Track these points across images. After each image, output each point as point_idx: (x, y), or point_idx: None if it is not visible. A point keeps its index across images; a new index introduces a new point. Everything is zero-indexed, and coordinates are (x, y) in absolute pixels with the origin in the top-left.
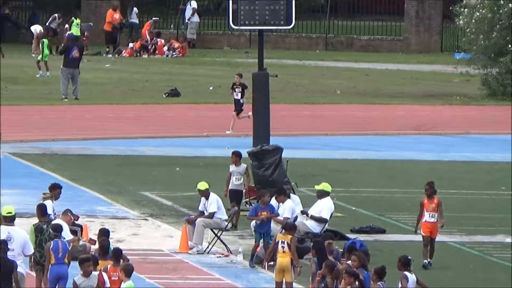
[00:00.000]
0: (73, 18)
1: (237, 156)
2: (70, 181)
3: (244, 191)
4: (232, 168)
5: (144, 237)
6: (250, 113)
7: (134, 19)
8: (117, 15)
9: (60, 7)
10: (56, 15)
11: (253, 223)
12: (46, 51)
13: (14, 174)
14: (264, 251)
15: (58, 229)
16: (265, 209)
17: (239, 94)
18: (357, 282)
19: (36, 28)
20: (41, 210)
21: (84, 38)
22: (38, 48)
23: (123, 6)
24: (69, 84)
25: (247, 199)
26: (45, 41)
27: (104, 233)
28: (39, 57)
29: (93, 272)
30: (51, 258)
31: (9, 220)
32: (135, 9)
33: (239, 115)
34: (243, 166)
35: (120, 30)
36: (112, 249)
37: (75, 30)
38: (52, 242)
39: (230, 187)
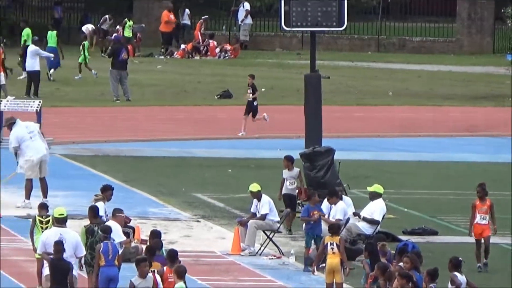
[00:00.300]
0: (126, 19)
1: (288, 160)
2: (122, 183)
3: (297, 192)
4: (285, 172)
5: (196, 238)
6: (265, 114)
7: (186, 21)
8: (172, 16)
9: (112, 8)
10: (107, 16)
11: (304, 225)
12: (86, 54)
13: (66, 176)
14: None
15: (108, 230)
16: (316, 209)
17: (251, 96)
18: (410, 284)
19: (88, 27)
20: (93, 212)
21: (136, 40)
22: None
23: (175, 8)
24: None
25: (299, 201)
26: (86, 43)
27: (156, 235)
28: (80, 59)
29: (149, 274)
30: (101, 260)
31: (61, 221)
32: (187, 10)
33: (254, 118)
34: (296, 170)
35: (177, 31)
36: (167, 250)
37: (128, 32)
38: (102, 244)
39: (283, 191)
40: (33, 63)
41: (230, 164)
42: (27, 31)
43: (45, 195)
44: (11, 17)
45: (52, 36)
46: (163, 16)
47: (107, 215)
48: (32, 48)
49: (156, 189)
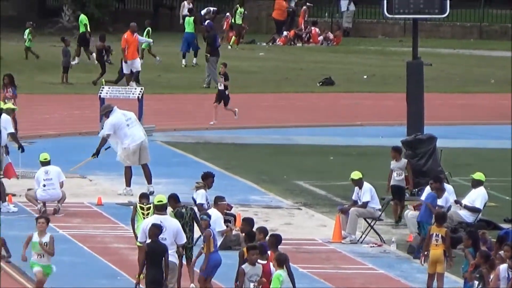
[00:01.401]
0: (237, 6)
1: (396, 151)
2: (224, 170)
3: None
4: (393, 163)
5: (297, 226)
6: (237, 110)
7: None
8: (285, 4)
9: None
10: (184, 2)
11: (407, 213)
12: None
13: (168, 163)
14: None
15: (210, 216)
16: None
17: (223, 85)
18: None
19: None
20: (174, 198)
21: (243, 25)
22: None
23: None
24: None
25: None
26: (149, 29)
27: (249, 223)
28: (143, 46)
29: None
30: (211, 246)
31: (161, 208)
32: None
33: (226, 106)
34: (404, 161)
35: (289, 18)
36: (271, 235)
37: (238, 19)
38: (212, 230)
39: (391, 182)
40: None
41: (332, 152)
42: (82, 18)
43: (149, 181)
44: (113, 4)
45: (189, 22)
46: (277, 3)
47: (208, 203)
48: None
49: (257, 176)
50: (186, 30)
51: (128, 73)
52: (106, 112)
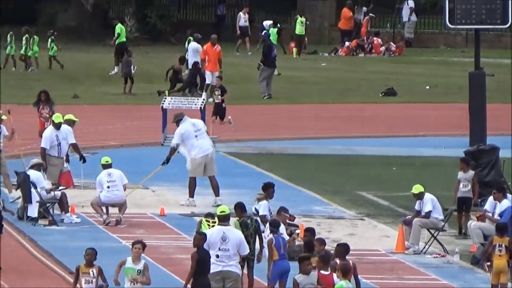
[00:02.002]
0: (297, 16)
1: (464, 162)
2: (286, 181)
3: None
4: (460, 174)
5: (361, 237)
6: (230, 117)
7: (360, 17)
8: (352, 14)
9: (275, 5)
10: (240, 13)
11: (471, 223)
12: None
13: (231, 174)
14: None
15: (277, 224)
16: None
17: (219, 97)
18: None
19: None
20: (240, 207)
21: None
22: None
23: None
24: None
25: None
26: (191, 39)
27: (311, 232)
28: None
29: (313, 271)
30: (274, 254)
31: (224, 219)
32: (364, 8)
33: (223, 119)
34: (471, 172)
35: (356, 28)
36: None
37: (299, 29)
38: (273, 238)
39: (458, 194)
40: (194, 60)
41: (395, 162)
42: (120, 27)
43: (216, 193)
44: (175, 15)
45: (273, 33)
46: (343, 13)
47: (271, 213)
48: (193, 45)
49: (320, 187)
50: None
51: (209, 82)
52: (177, 120)
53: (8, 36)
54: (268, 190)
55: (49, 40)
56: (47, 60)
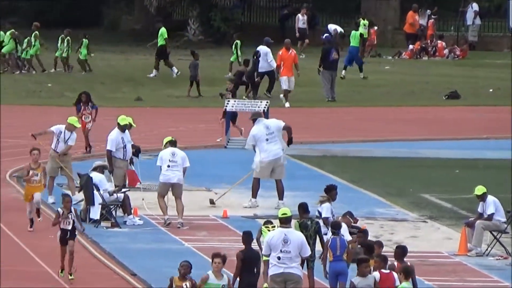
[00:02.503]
0: (360, 18)
1: None
2: (350, 183)
3: None
4: None
5: (423, 239)
6: (242, 129)
7: (423, 22)
8: (417, 17)
9: (339, 8)
10: (299, 15)
11: None
12: (239, 52)
13: (294, 176)
14: None
15: (338, 226)
16: None
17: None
18: None
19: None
20: (303, 208)
21: (370, 39)
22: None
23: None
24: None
25: None
26: (238, 42)
27: (366, 235)
28: (232, 58)
29: (370, 273)
30: (330, 255)
31: (285, 221)
32: (428, 11)
33: (235, 123)
34: None
35: (421, 32)
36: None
37: (363, 31)
38: (330, 239)
39: None
40: (265, 64)
41: (458, 165)
42: (163, 31)
43: (280, 197)
44: (238, 18)
45: (354, 36)
46: (408, 17)
47: (333, 215)
48: (264, 49)
49: (383, 189)
50: (351, 44)
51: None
52: (253, 119)
53: (64, 39)
54: (331, 192)
55: (84, 42)
56: (148, 64)
